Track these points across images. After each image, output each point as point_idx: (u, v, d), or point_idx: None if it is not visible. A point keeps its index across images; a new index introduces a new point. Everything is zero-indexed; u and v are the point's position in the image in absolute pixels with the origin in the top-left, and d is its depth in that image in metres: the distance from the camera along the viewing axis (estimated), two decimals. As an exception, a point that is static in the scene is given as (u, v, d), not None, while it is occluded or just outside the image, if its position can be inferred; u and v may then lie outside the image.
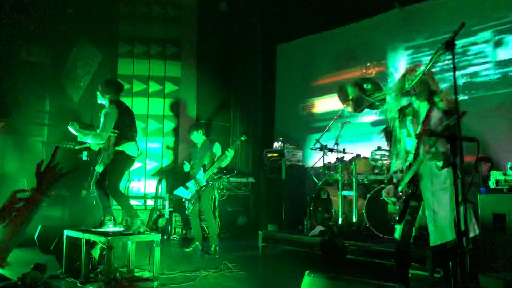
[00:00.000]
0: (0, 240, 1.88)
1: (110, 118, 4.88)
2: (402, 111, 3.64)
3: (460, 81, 6.67)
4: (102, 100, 5.11)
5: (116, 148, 4.92)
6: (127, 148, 4.96)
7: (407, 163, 3.54)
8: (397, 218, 3.49)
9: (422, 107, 3.54)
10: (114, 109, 4.92)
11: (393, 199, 3.56)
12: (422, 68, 3.30)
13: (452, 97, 3.17)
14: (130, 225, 4.75)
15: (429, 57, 3.07)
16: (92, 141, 4.98)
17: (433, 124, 3.38)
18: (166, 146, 8.86)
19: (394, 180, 3.60)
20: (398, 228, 3.48)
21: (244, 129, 9.28)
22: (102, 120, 4.91)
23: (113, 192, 4.88)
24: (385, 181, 3.82)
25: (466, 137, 2.08)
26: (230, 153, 6.22)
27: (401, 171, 3.59)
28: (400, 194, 3.48)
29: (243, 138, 6.44)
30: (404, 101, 3.66)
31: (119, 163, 4.95)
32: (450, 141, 1.92)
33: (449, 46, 2.65)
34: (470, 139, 2.10)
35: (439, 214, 3.35)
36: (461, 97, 6.45)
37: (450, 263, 1.77)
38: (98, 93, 5.12)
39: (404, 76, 3.55)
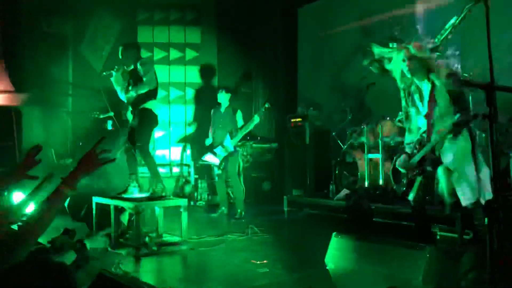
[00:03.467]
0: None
1: (152, 67, 5.01)
2: (406, 90, 3.64)
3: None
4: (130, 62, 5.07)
5: (143, 105, 4.94)
6: (153, 106, 5.00)
7: (418, 136, 3.55)
8: (403, 189, 3.53)
9: (423, 86, 3.50)
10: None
11: (403, 171, 3.56)
12: (452, 21, 3.15)
13: (450, 68, 3.18)
14: (155, 189, 4.81)
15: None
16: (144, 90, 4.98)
17: (441, 103, 3.32)
18: (189, 113, 8.86)
19: (407, 150, 3.60)
20: (412, 193, 3.49)
21: (266, 95, 9.18)
22: (144, 70, 4.94)
23: (144, 153, 4.93)
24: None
25: (505, 87, 1.98)
26: (256, 119, 6.18)
27: (414, 143, 3.60)
28: (413, 166, 3.46)
29: (267, 105, 6.37)
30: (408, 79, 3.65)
31: (148, 122, 4.97)
32: (486, 91, 1.82)
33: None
34: (509, 89, 1.99)
35: (463, 176, 3.31)
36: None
37: (486, 219, 1.74)
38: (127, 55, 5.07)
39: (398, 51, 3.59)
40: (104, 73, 5.18)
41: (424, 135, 3.49)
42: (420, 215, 3.59)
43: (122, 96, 5.18)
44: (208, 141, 6.63)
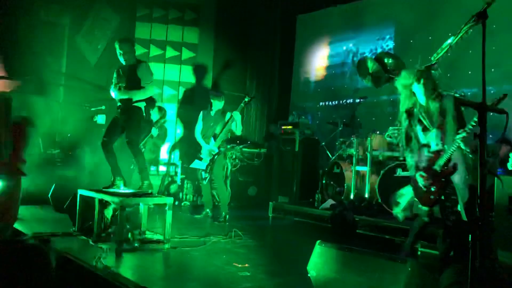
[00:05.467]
0: None
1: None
2: (409, 112, 3.73)
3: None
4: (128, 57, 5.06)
5: (133, 104, 4.94)
6: (142, 104, 5.01)
7: (427, 154, 3.63)
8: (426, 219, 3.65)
9: (431, 104, 3.60)
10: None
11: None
12: (449, 41, 3.20)
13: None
14: (141, 186, 4.80)
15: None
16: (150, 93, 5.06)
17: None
18: (180, 113, 8.85)
19: (411, 172, 3.76)
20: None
21: (259, 100, 9.21)
22: (145, 72, 4.98)
23: (133, 148, 4.93)
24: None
25: (496, 108, 2.02)
26: (236, 116, 6.14)
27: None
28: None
29: (246, 100, 6.29)
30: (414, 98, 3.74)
31: (137, 118, 4.98)
32: (478, 111, 1.86)
33: (481, 17, 2.55)
34: (500, 111, 2.04)
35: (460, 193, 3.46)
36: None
37: (470, 236, 1.77)
38: (126, 50, 5.05)
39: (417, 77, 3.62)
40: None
41: (437, 147, 3.57)
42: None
43: (115, 91, 5.13)
44: (203, 145, 6.51)
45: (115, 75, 5.12)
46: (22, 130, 2.09)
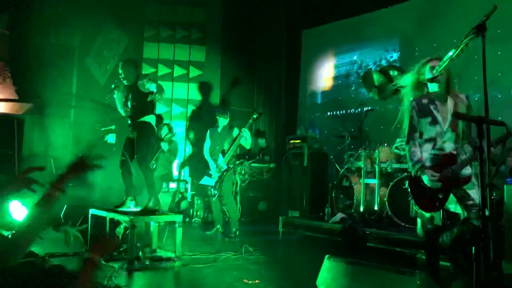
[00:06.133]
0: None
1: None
2: (416, 101, 3.47)
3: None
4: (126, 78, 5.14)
5: (142, 119, 5.01)
6: (151, 119, 5.07)
7: (434, 151, 3.37)
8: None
9: (448, 99, 3.40)
10: None
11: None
12: (450, 53, 3.22)
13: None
14: (147, 203, 4.84)
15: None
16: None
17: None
18: (189, 130, 8.94)
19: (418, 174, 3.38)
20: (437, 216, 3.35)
21: (267, 116, 9.28)
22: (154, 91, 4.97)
23: (142, 165, 4.96)
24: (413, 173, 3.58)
25: (495, 120, 2.04)
26: (245, 133, 6.20)
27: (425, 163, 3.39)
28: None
29: (254, 116, 6.37)
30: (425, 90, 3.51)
31: (146, 134, 5.04)
32: (477, 124, 1.87)
33: (480, 30, 2.58)
34: (499, 123, 2.05)
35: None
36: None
37: (473, 248, 1.76)
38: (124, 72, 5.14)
39: (423, 65, 3.45)
40: (107, 97, 5.30)
41: (441, 144, 3.35)
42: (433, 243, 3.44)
43: (121, 111, 5.27)
44: (211, 163, 6.55)
45: (121, 96, 5.22)
46: (80, 165, 2.13)
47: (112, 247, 2.08)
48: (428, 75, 3.43)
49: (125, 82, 5.13)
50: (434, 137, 3.38)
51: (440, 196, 3.30)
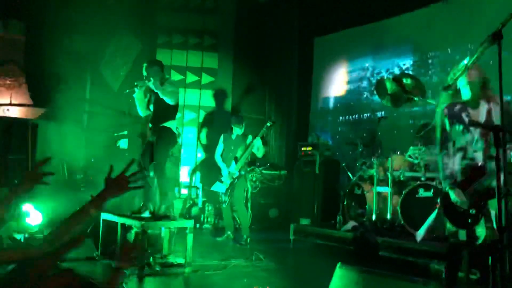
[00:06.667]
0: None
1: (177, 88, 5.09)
2: (450, 108, 3.37)
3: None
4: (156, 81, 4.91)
5: (164, 124, 4.94)
6: (173, 125, 5.02)
7: (466, 161, 3.25)
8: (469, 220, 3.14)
9: (481, 105, 3.27)
10: None
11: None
12: (465, 61, 3.18)
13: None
14: (158, 208, 4.80)
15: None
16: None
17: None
18: (201, 136, 8.96)
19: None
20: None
21: (279, 123, 9.27)
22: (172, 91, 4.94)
23: (158, 170, 4.87)
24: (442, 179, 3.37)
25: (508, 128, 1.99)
26: (257, 141, 6.20)
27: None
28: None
29: (268, 124, 6.38)
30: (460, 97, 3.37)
31: (166, 140, 4.97)
32: (493, 132, 1.83)
33: (497, 38, 2.54)
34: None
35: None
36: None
37: (490, 259, 1.71)
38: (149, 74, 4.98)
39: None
40: (128, 90, 5.05)
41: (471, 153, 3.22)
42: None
43: (142, 113, 5.21)
44: (223, 167, 6.55)
45: (142, 96, 5.11)
46: (121, 183, 2.07)
47: (140, 255, 2.04)
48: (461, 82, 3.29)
49: (150, 84, 4.86)
50: (464, 146, 3.27)
51: (473, 212, 3.15)
